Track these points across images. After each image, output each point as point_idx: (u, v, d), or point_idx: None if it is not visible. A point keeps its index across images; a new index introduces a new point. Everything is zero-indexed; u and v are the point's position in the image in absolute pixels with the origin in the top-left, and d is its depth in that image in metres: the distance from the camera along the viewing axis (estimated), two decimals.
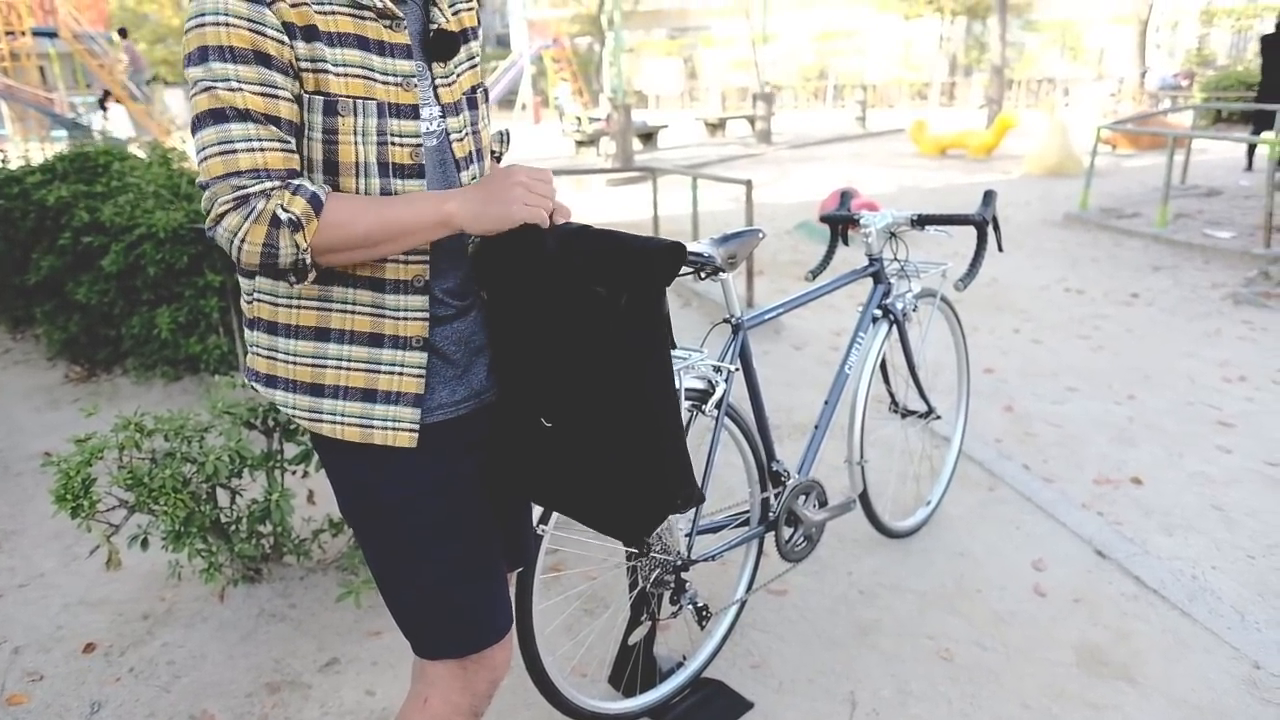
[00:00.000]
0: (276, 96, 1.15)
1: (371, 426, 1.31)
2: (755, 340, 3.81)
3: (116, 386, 4.56)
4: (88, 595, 2.77)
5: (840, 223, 2.72)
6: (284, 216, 1.14)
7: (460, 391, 1.39)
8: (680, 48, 36.88)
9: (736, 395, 2.17)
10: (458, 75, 1.37)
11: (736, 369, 2.18)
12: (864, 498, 2.73)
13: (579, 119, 17.87)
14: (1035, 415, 4.05)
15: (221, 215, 1.14)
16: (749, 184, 5.61)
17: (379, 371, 1.30)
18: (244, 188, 1.13)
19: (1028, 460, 3.59)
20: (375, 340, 1.29)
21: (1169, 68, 25.83)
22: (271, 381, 1.34)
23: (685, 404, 2.03)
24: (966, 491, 3.30)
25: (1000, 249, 2.63)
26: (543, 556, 1.89)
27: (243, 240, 1.14)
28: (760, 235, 2.23)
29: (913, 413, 2.93)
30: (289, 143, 1.17)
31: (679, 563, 2.08)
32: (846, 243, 2.76)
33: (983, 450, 3.63)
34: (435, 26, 1.32)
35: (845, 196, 2.80)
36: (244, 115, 1.13)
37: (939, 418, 2.97)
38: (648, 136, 18.06)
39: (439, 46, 1.32)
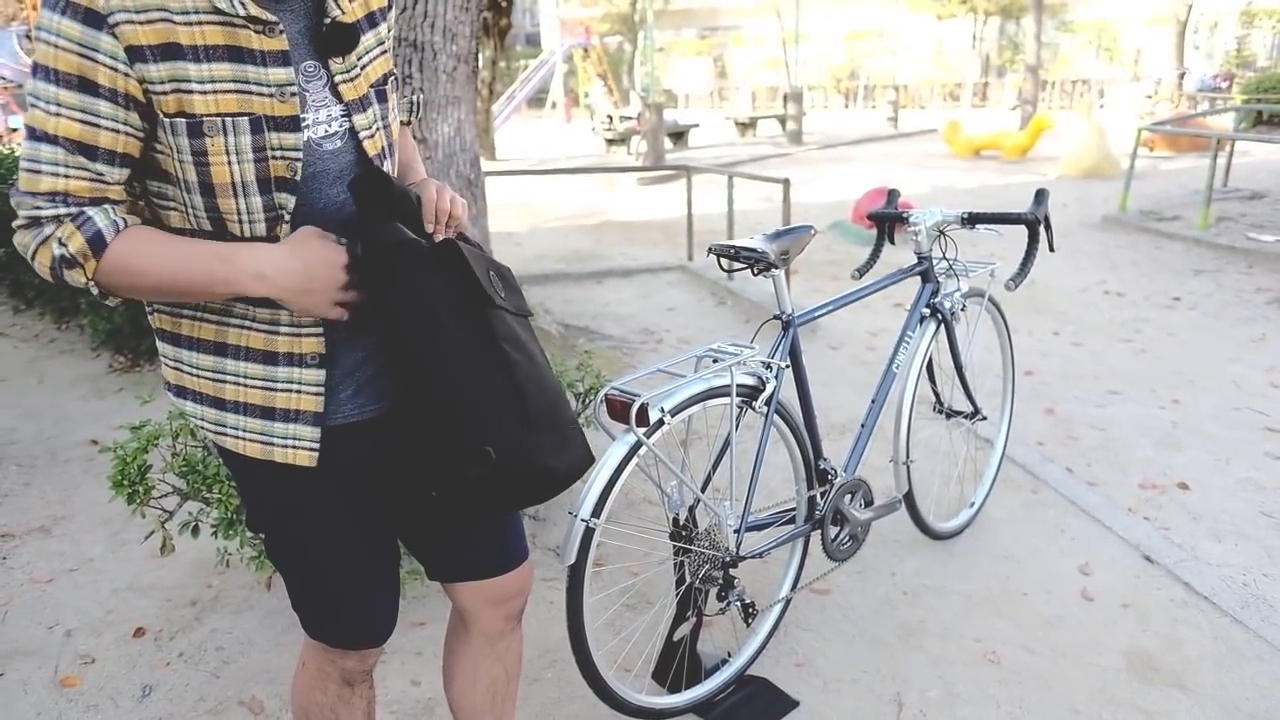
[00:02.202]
0: (97, 126, 1.09)
1: (272, 444, 1.28)
2: None
3: (160, 376, 4.62)
4: (136, 581, 2.82)
5: (888, 221, 2.70)
6: (56, 252, 1.11)
7: (366, 394, 1.34)
8: (710, 47, 36.82)
9: (785, 393, 2.16)
10: (363, 67, 1.28)
11: (787, 366, 2.18)
12: (909, 498, 2.71)
13: (610, 117, 17.91)
14: (1077, 418, 4.00)
15: (16, 229, 1.13)
16: (786, 183, 5.59)
17: (275, 389, 1.26)
18: (39, 209, 1.10)
19: (1071, 463, 3.54)
20: (270, 358, 1.25)
21: (1208, 69, 25.44)
22: (181, 392, 1.32)
23: (736, 400, 2.03)
24: (1009, 494, 3.26)
25: (1051, 249, 2.60)
26: (594, 549, 1.89)
27: (33, 258, 1.13)
28: (812, 232, 2.22)
29: (958, 413, 2.90)
30: (101, 174, 1.12)
31: (727, 559, 2.08)
32: (893, 241, 2.75)
33: (1025, 453, 3.59)
34: (330, 20, 1.22)
35: (892, 195, 2.78)
36: (53, 140, 1.09)
37: (985, 419, 2.95)
38: (678, 135, 18.07)
39: (334, 41, 1.22)
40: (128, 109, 1.11)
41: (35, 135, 1.10)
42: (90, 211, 1.12)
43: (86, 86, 1.08)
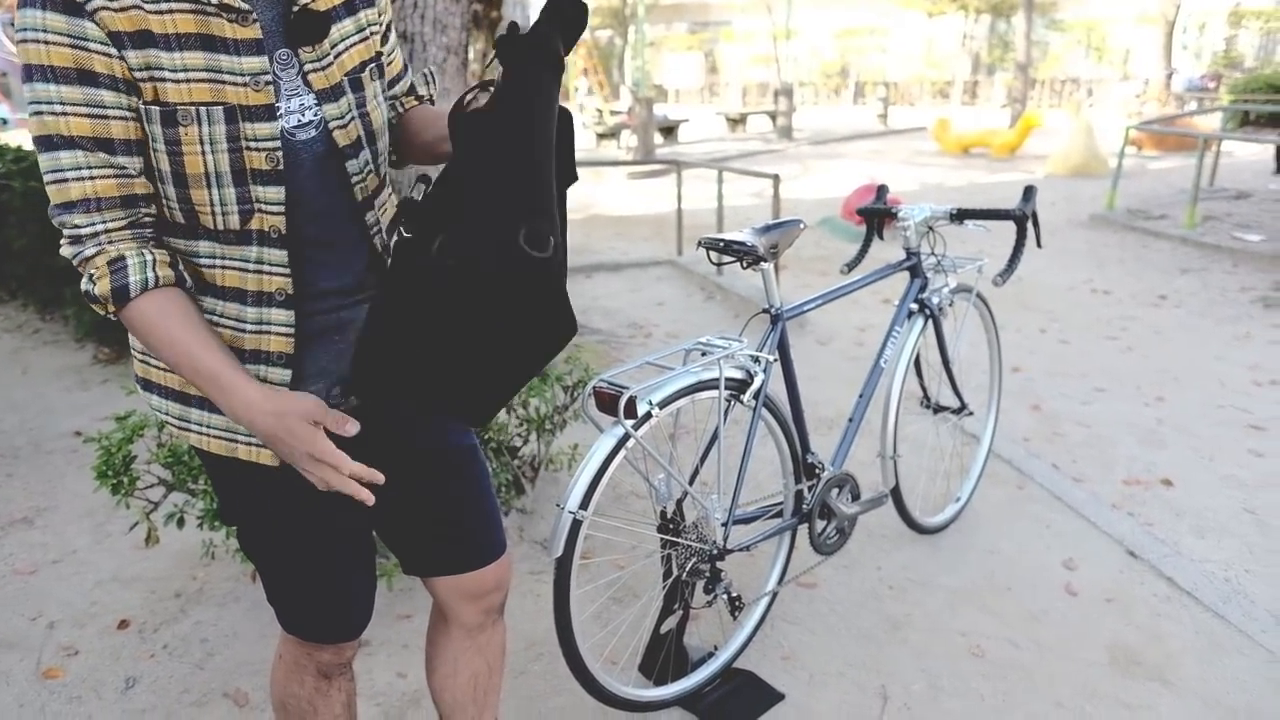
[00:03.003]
0: (106, 117, 1.08)
1: (236, 441, 1.27)
2: None
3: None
4: (120, 572, 2.80)
5: (877, 216, 2.70)
6: (84, 286, 1.12)
7: (339, 388, 1.32)
8: (701, 42, 36.79)
9: (772, 387, 2.16)
10: (336, 56, 1.24)
11: (775, 360, 2.18)
12: (895, 492, 2.72)
13: (599, 111, 17.88)
14: (1063, 415, 4.02)
15: (62, 243, 1.13)
16: (776, 178, 5.59)
17: None
18: (77, 228, 1.10)
19: (1056, 459, 3.56)
20: (236, 355, 1.21)
21: (1196, 69, 25.60)
22: (147, 386, 1.30)
23: (725, 393, 2.03)
24: (995, 489, 3.28)
25: (1039, 245, 2.61)
26: (581, 542, 1.89)
27: (78, 268, 1.14)
28: (801, 226, 2.22)
29: (945, 409, 2.91)
30: (124, 168, 1.11)
31: (715, 552, 2.08)
32: (882, 237, 2.75)
33: (1011, 449, 3.61)
34: (298, 7, 1.20)
35: (882, 191, 2.79)
36: (71, 142, 1.07)
37: (971, 414, 2.96)
38: (668, 130, 18.04)
39: (303, 29, 1.19)
40: (128, 93, 1.09)
41: (52, 144, 1.08)
42: (129, 258, 1.11)
43: (86, 78, 1.06)
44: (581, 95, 23.40)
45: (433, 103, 1.52)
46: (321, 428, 1.16)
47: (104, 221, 1.11)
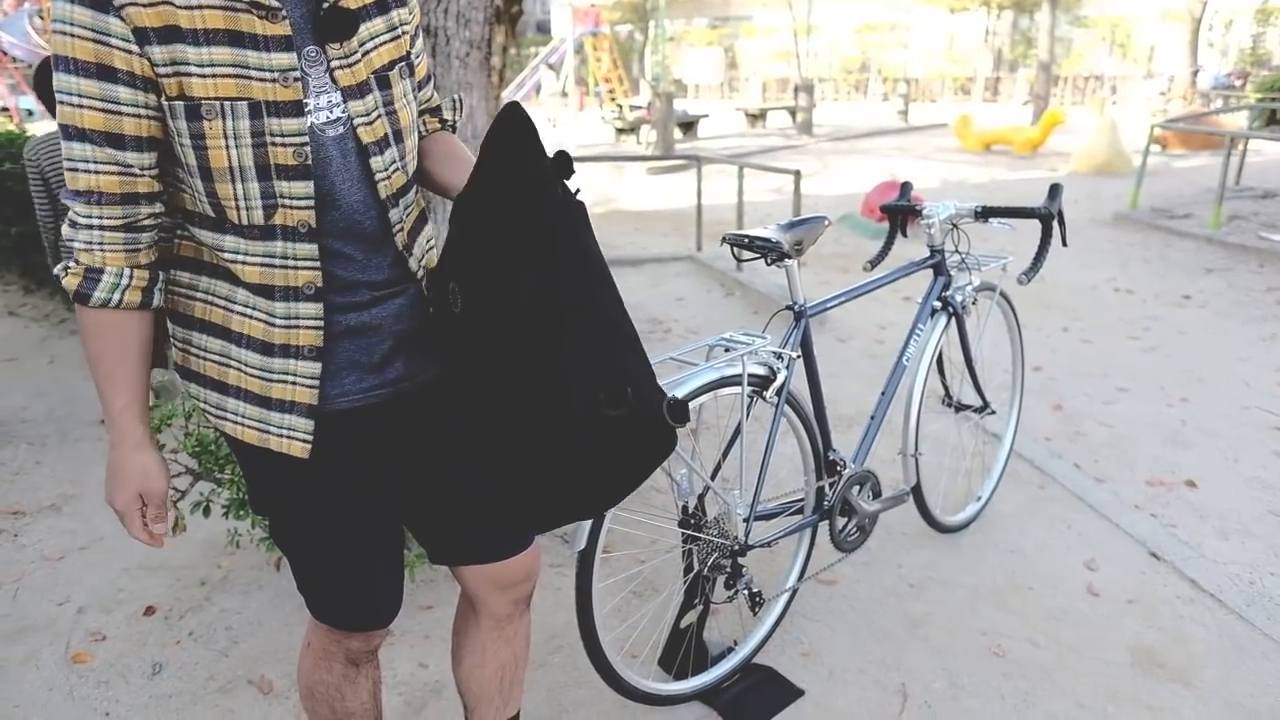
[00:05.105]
0: (120, 113, 1.12)
1: (269, 432, 1.29)
2: None
3: (170, 358, 4.64)
4: (146, 560, 2.84)
5: (901, 213, 2.69)
6: (56, 270, 1.19)
7: (369, 380, 1.33)
8: (721, 37, 36.66)
9: (794, 384, 2.16)
10: (364, 53, 1.25)
11: (798, 356, 2.18)
12: (917, 490, 2.71)
13: (620, 106, 17.88)
14: (1085, 414, 4.00)
15: (64, 222, 1.20)
16: (797, 174, 5.58)
17: (271, 380, 1.26)
18: (77, 214, 1.16)
19: (1078, 459, 3.54)
20: (266, 348, 1.25)
21: (1222, 67, 25.30)
22: (187, 374, 1.34)
23: (748, 390, 2.03)
24: (1017, 489, 3.26)
25: (1065, 244, 2.60)
26: (603, 536, 1.90)
27: (67, 247, 1.21)
28: (826, 223, 2.22)
29: (967, 407, 2.90)
30: (130, 166, 1.14)
31: (735, 547, 2.09)
32: (905, 234, 2.74)
33: (1032, 448, 3.59)
34: (328, 4, 1.21)
35: (906, 187, 2.78)
36: (83, 135, 1.12)
37: (993, 413, 2.95)
38: (688, 126, 18.01)
39: (332, 26, 1.21)
40: (146, 91, 1.12)
41: (69, 133, 1.13)
42: (106, 275, 1.18)
43: (105, 73, 1.10)
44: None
45: (455, 130, 1.53)
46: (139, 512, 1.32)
47: (100, 217, 1.16)
